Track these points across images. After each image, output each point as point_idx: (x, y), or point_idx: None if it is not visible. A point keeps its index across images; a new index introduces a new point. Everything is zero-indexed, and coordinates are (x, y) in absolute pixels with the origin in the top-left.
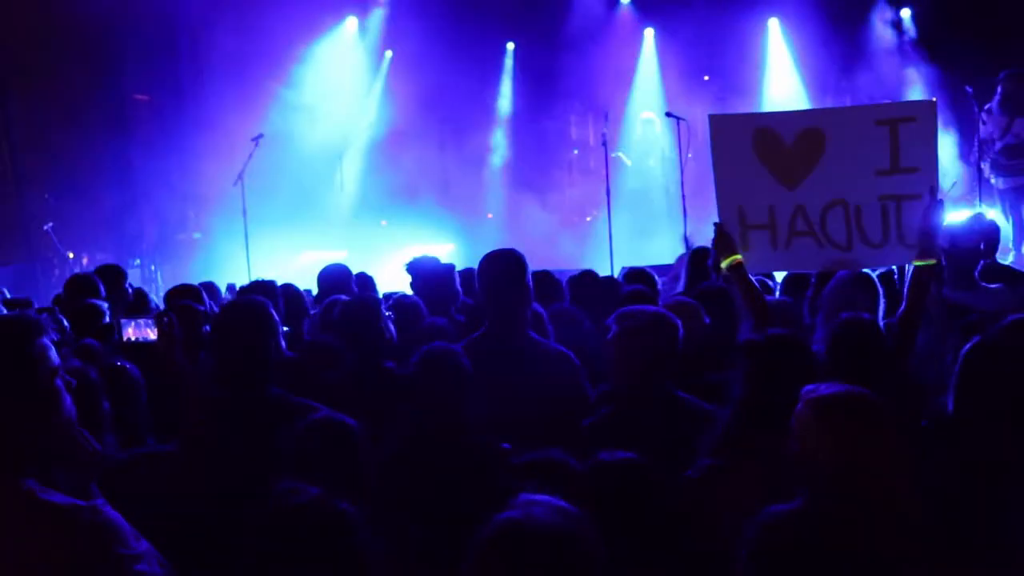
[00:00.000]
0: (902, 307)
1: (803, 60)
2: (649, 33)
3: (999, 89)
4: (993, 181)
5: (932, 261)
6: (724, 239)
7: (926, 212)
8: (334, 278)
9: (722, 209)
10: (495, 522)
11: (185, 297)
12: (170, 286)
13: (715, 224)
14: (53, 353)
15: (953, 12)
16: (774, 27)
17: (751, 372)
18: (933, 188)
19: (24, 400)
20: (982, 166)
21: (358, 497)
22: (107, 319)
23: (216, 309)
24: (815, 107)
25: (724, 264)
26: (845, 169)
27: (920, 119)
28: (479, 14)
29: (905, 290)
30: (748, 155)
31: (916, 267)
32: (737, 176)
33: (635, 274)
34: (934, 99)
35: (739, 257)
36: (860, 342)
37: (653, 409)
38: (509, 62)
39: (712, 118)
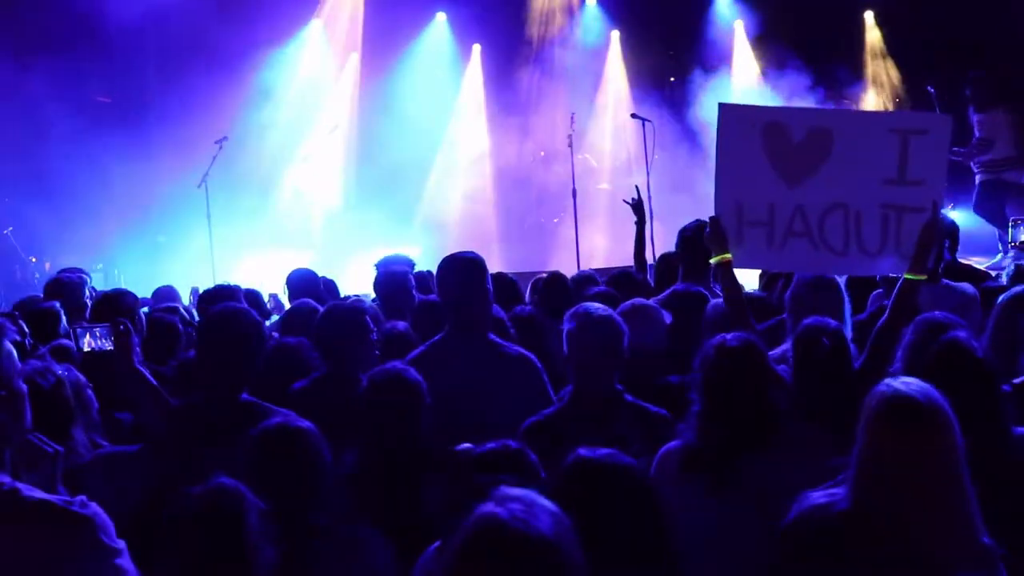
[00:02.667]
0: (884, 318)
1: (769, 59)
2: (615, 35)
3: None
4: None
5: (923, 276)
6: (717, 235)
7: (927, 226)
8: (302, 282)
9: (720, 202)
10: (477, 521)
11: (112, 303)
12: (133, 289)
13: (711, 218)
14: (15, 355)
15: (918, 14)
16: (739, 29)
17: (707, 381)
18: (937, 203)
19: None
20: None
21: (316, 503)
22: (63, 323)
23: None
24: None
25: (714, 261)
26: (851, 173)
27: (933, 133)
28: (446, 14)
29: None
30: (755, 148)
31: (906, 279)
32: (740, 169)
33: (619, 279)
34: (950, 116)
35: (728, 256)
36: (824, 352)
37: (595, 410)
38: (475, 65)
39: (722, 107)
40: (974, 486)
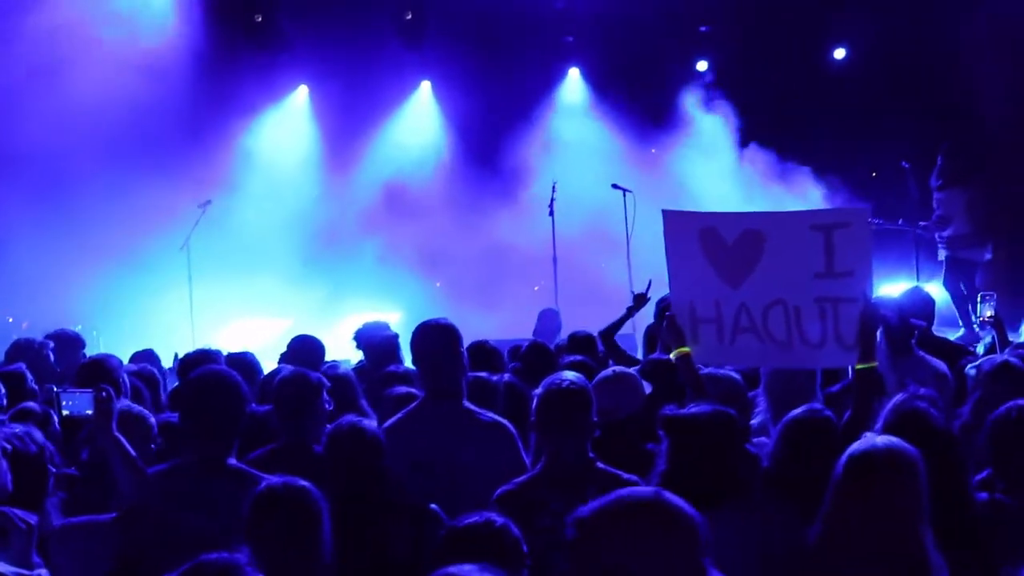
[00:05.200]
0: (847, 413)
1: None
2: (597, 104)
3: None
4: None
5: (873, 364)
6: (675, 330)
7: (862, 315)
8: (302, 350)
9: (675, 301)
10: None
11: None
12: (110, 351)
13: (667, 315)
14: None
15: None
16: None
17: (671, 447)
18: (867, 292)
19: None
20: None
21: (315, 565)
22: (31, 383)
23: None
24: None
25: (673, 355)
26: (784, 271)
27: (854, 225)
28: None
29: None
30: (696, 252)
31: (858, 371)
32: (687, 270)
33: (579, 340)
34: (867, 207)
35: (687, 350)
36: (814, 445)
37: (567, 478)
38: (445, 134)
39: (665, 213)
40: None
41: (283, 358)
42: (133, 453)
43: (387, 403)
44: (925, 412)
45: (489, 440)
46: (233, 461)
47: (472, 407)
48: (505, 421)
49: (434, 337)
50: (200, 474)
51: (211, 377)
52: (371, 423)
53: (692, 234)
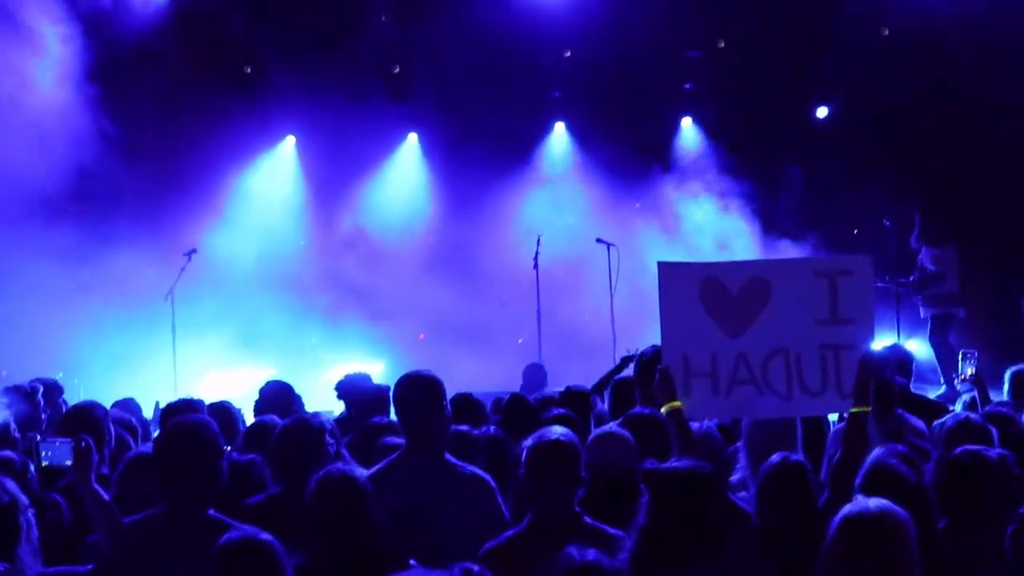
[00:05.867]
0: (838, 455)
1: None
2: (581, 159)
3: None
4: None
5: (867, 408)
6: (667, 384)
7: (862, 362)
8: (276, 395)
9: (666, 354)
10: None
11: (81, 416)
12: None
13: (658, 369)
14: None
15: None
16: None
17: (650, 501)
18: (868, 339)
19: None
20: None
21: None
22: (14, 433)
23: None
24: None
25: (664, 410)
26: (787, 318)
27: (857, 273)
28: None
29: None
30: (694, 303)
31: (852, 414)
32: (682, 323)
33: (574, 395)
34: (870, 257)
35: (679, 404)
36: (790, 490)
37: (555, 533)
38: (431, 186)
39: (661, 265)
40: None
41: (257, 407)
42: (109, 501)
43: (378, 454)
44: (896, 468)
45: (469, 493)
46: (212, 512)
47: (453, 460)
48: (485, 474)
49: (416, 389)
50: (176, 524)
51: (186, 426)
52: (360, 471)
53: (692, 285)
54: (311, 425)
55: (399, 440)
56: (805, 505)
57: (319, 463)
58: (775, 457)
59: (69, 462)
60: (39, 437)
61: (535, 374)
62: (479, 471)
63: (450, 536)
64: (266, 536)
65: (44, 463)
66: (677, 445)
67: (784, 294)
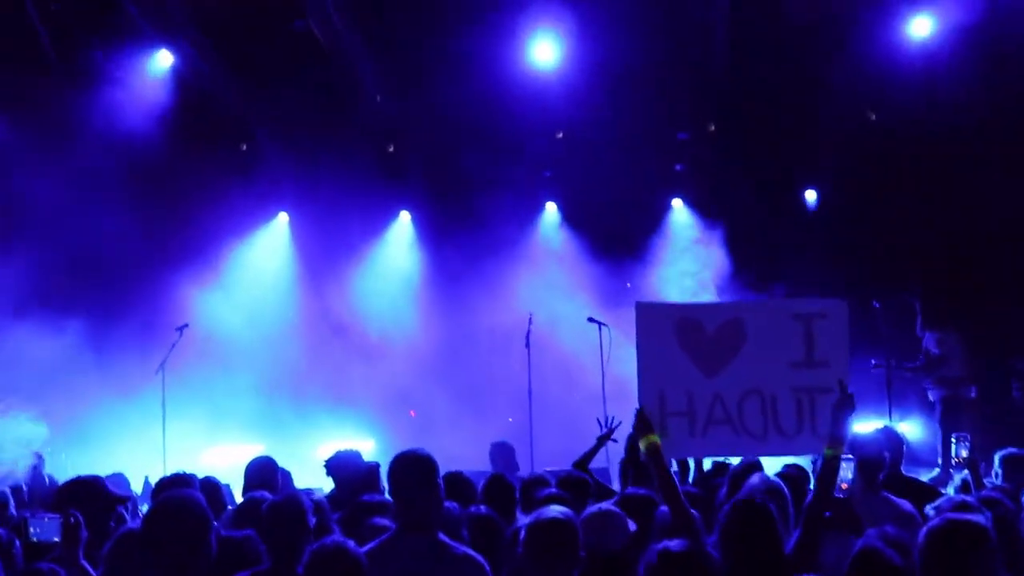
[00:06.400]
0: (810, 496)
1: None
2: (572, 238)
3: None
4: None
5: (840, 450)
6: (644, 422)
7: (835, 404)
8: (259, 472)
9: (643, 394)
10: None
11: (86, 491)
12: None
13: (636, 409)
14: None
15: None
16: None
17: None
18: (843, 382)
19: None
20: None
21: None
22: (12, 509)
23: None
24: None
25: (643, 446)
26: (762, 360)
27: (832, 316)
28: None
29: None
30: (671, 342)
31: (825, 456)
32: (659, 362)
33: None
34: (845, 300)
35: (656, 439)
36: (749, 528)
37: None
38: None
39: (639, 305)
40: None
41: (247, 487)
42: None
43: (367, 533)
44: (881, 552)
45: (462, 574)
46: None
47: (446, 539)
48: (477, 555)
49: (412, 468)
50: None
51: (175, 501)
52: (353, 544)
53: (668, 324)
54: (300, 504)
55: (387, 522)
56: (770, 549)
57: (303, 540)
58: (739, 496)
59: (57, 539)
60: (28, 513)
61: (503, 452)
62: (471, 551)
63: None
64: None
65: (32, 539)
66: (656, 481)
67: (760, 335)
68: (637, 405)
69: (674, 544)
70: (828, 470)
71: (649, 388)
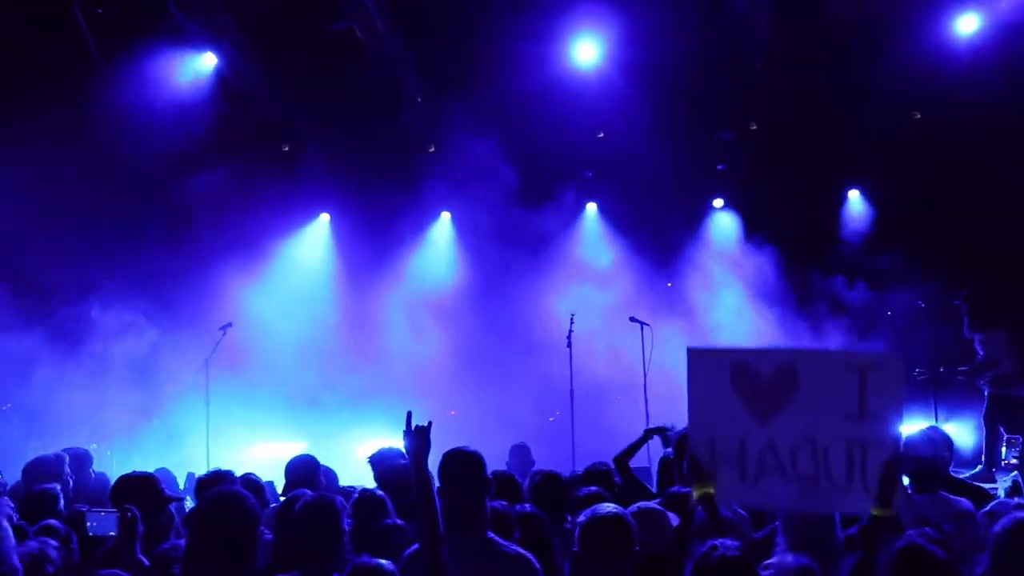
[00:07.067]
0: (856, 560)
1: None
2: (611, 238)
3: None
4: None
5: (889, 511)
6: (697, 470)
7: (888, 462)
8: (301, 470)
9: (694, 440)
10: None
11: (140, 488)
12: (125, 471)
13: (689, 456)
14: (11, 534)
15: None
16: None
17: None
18: (896, 438)
19: None
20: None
21: None
22: (61, 504)
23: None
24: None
25: (695, 495)
26: (816, 410)
27: (887, 369)
28: (450, 213)
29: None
30: (724, 388)
31: (871, 517)
32: (711, 408)
33: (596, 474)
34: (901, 354)
35: (711, 490)
36: None
37: None
38: (464, 264)
39: (691, 351)
40: None
41: (287, 486)
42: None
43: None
44: (923, 547)
45: (514, 573)
46: None
47: (496, 538)
48: (528, 553)
49: (458, 465)
50: None
51: (223, 497)
52: (390, 566)
53: (723, 369)
54: (332, 505)
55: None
56: None
57: (334, 545)
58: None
59: (113, 532)
60: (85, 507)
61: (522, 454)
62: (522, 550)
63: None
64: None
65: (89, 533)
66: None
67: (813, 385)
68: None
69: (730, 546)
70: (872, 533)
71: (700, 435)
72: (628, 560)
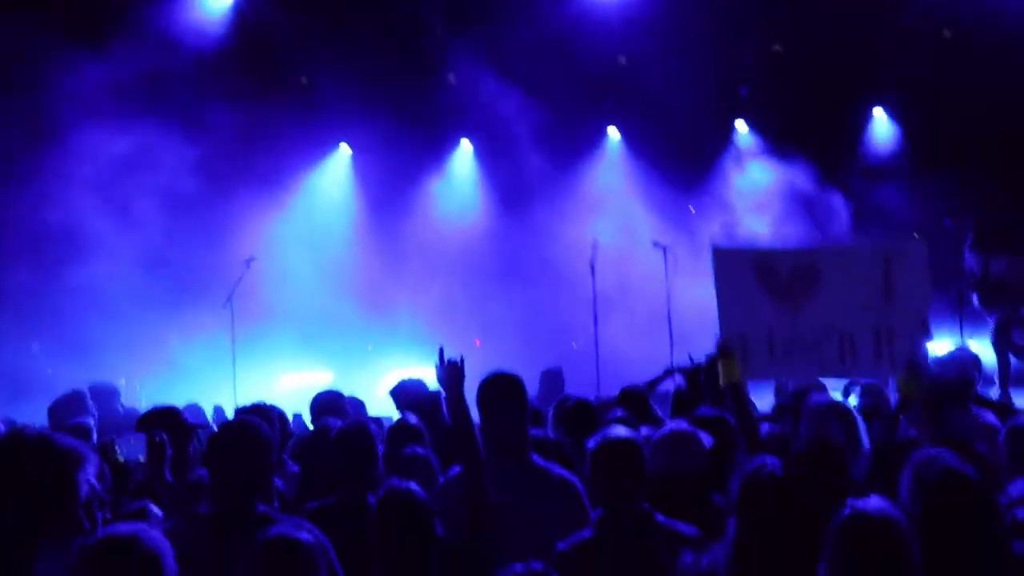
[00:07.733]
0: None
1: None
2: (632, 162)
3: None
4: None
5: (916, 380)
6: (726, 357)
7: (914, 343)
8: (328, 402)
9: (724, 332)
10: None
11: (166, 419)
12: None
13: (717, 343)
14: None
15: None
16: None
17: (748, 519)
18: (924, 322)
19: None
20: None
21: None
22: (95, 438)
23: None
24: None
25: (724, 383)
26: (839, 301)
27: (911, 255)
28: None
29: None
30: (750, 284)
31: (900, 382)
32: (738, 303)
33: (631, 396)
34: (924, 241)
35: (737, 378)
36: (816, 465)
37: (627, 531)
38: (485, 191)
39: (715, 250)
40: None
41: (313, 420)
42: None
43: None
44: (952, 467)
45: (557, 497)
46: (262, 507)
47: (541, 462)
48: (573, 476)
49: (499, 388)
50: (221, 527)
51: (235, 427)
52: (420, 492)
53: (746, 267)
54: (368, 431)
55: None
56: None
57: (372, 468)
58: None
59: (142, 457)
60: (114, 435)
61: (552, 380)
62: (567, 473)
63: (537, 541)
64: (304, 535)
65: (119, 458)
66: (736, 419)
67: (836, 278)
68: (713, 334)
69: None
70: (904, 398)
71: (730, 328)
72: (640, 483)
